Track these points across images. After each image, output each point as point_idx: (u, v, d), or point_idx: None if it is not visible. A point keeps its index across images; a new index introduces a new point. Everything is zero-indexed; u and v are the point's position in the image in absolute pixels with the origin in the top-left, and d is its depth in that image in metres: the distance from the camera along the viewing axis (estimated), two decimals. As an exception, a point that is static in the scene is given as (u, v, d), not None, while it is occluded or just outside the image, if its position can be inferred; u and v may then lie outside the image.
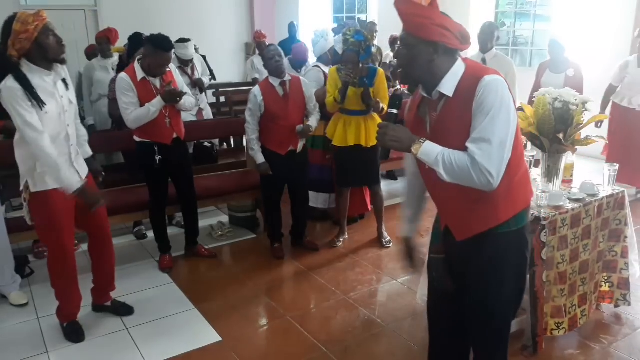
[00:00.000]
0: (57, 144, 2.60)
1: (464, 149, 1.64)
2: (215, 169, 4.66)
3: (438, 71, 1.71)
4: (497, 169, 1.61)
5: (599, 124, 4.82)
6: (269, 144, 3.77)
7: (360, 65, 3.74)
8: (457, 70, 1.72)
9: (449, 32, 1.68)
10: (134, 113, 3.34)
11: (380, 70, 3.88)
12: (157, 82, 3.43)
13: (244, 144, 4.70)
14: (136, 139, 3.53)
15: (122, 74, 3.38)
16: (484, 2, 8.41)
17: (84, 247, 3.07)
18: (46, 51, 2.49)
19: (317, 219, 4.60)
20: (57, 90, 2.59)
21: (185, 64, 5.02)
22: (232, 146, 6.24)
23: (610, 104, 5.10)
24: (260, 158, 3.76)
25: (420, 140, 1.69)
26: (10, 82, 2.44)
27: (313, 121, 3.85)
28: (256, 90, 3.69)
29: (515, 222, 1.78)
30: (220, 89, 7.27)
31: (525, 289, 1.94)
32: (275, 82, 3.67)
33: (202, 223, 4.04)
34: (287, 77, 3.70)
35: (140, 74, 3.37)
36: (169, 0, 9.32)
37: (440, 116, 1.77)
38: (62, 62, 2.60)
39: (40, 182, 2.65)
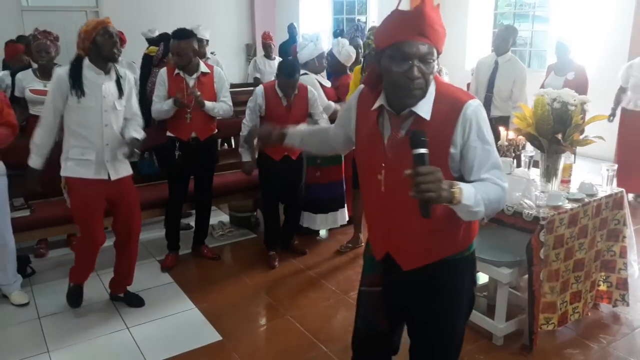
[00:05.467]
0: (88, 136, 2.83)
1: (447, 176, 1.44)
2: (216, 169, 4.65)
3: None
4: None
5: (611, 118, 4.89)
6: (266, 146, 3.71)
7: None
8: (431, 89, 1.51)
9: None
10: (155, 106, 3.55)
11: None
12: (190, 81, 3.52)
13: (245, 144, 4.68)
14: (167, 133, 3.68)
15: (162, 69, 3.61)
16: (483, 3, 8.44)
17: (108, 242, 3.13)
18: (100, 48, 2.78)
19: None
20: (101, 89, 2.82)
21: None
22: (233, 146, 6.24)
23: (620, 107, 5.04)
24: (245, 157, 3.67)
25: (457, 185, 1.38)
26: (63, 71, 2.80)
27: None
28: (259, 90, 3.61)
29: (470, 247, 1.68)
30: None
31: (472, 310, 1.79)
32: (280, 92, 3.57)
33: (203, 223, 4.06)
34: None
35: (177, 70, 3.53)
36: (170, 1, 9.34)
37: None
38: (114, 60, 2.85)
39: (68, 169, 2.86)
